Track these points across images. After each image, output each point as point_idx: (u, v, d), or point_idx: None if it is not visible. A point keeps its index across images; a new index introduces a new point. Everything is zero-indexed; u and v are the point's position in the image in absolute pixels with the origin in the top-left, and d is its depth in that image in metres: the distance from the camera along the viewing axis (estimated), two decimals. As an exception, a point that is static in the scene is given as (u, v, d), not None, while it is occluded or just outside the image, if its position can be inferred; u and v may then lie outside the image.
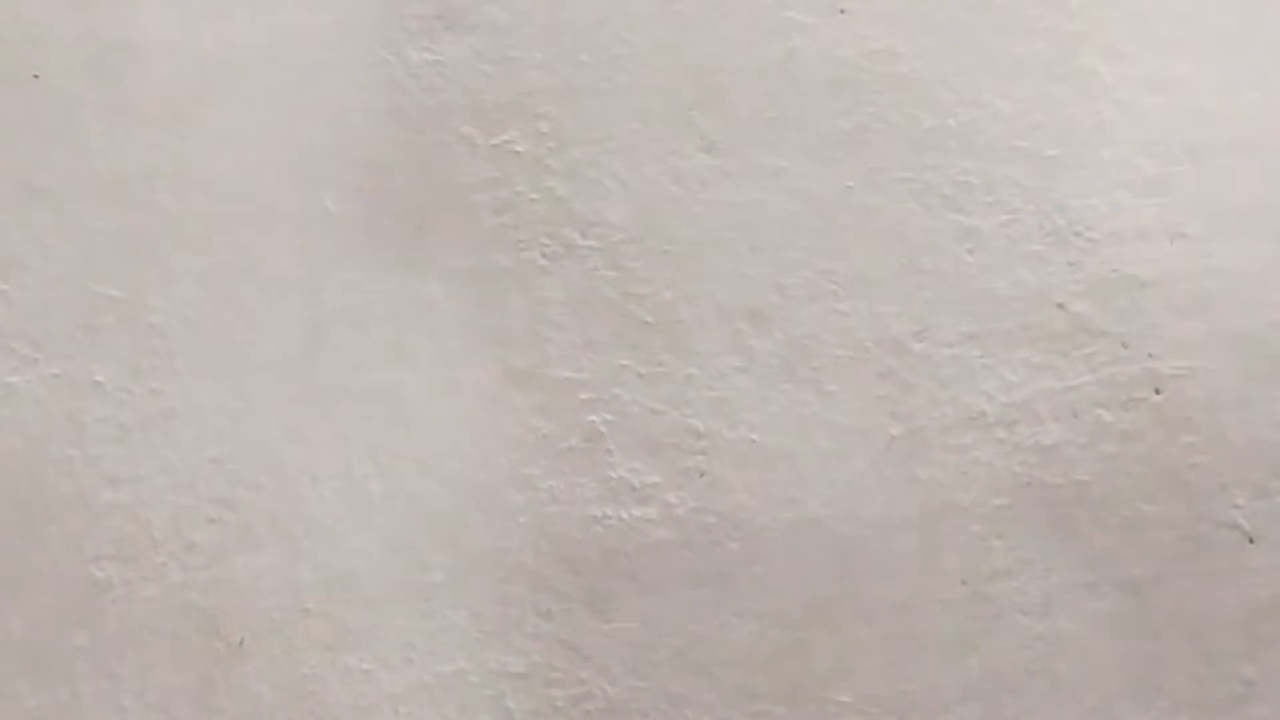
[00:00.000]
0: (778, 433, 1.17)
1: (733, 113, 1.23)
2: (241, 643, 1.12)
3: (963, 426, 1.17)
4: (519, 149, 1.21)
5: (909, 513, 1.17)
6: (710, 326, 1.19)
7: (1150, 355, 1.18)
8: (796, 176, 1.21)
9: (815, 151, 1.22)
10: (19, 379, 1.14)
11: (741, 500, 1.17)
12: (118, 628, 1.11)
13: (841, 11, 1.25)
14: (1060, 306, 1.19)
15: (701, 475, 1.17)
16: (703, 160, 1.22)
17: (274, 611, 1.12)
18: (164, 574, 1.12)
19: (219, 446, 1.14)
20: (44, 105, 1.18)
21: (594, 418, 1.17)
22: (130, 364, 1.15)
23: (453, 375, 1.17)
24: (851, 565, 1.16)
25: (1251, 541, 1.15)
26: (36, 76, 1.19)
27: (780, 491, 1.17)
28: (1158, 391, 1.17)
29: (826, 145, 1.22)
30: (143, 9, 1.20)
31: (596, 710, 1.14)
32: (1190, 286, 1.19)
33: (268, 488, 1.14)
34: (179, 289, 1.16)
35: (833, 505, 1.16)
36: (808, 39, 1.24)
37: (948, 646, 1.15)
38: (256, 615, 1.12)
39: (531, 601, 1.14)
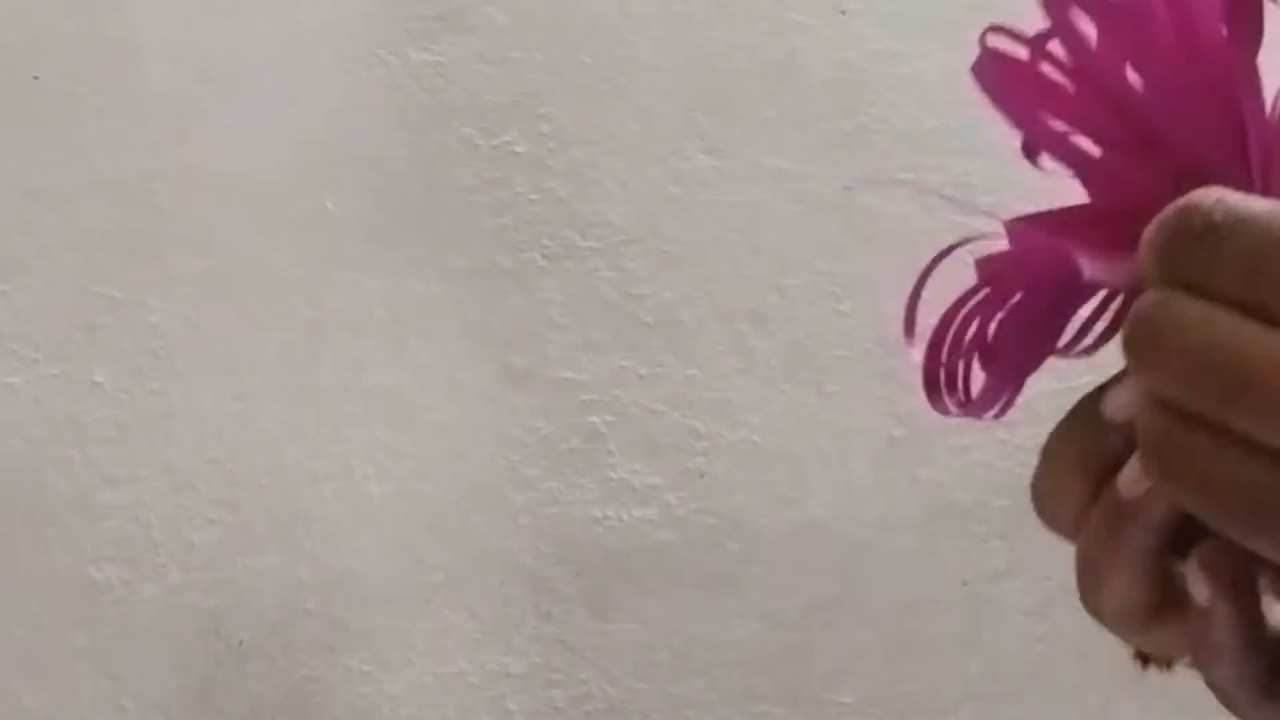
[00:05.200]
0: (779, 433, 1.17)
1: (733, 113, 1.23)
2: (241, 643, 1.12)
3: (964, 427, 1.17)
4: (519, 150, 1.21)
5: (910, 513, 1.16)
6: (711, 327, 1.19)
7: (1151, 356, 1.18)
8: (797, 177, 1.21)
9: (816, 152, 1.22)
10: (19, 379, 1.14)
11: (742, 501, 1.16)
12: (117, 628, 1.11)
13: (842, 12, 1.25)
14: (1061, 307, 1.19)
15: (702, 476, 1.17)
16: (703, 161, 1.22)
17: (274, 612, 1.12)
18: (164, 575, 1.12)
19: (219, 446, 1.14)
20: (44, 105, 1.18)
21: (594, 418, 1.17)
22: (130, 364, 1.15)
23: (453, 375, 1.17)
24: (852, 566, 1.16)
25: (1253, 542, 1.15)
26: (36, 77, 1.19)
27: (781, 492, 1.17)
28: (1159, 392, 1.17)
29: (827, 145, 1.22)
30: (143, 9, 1.20)
31: (597, 711, 1.14)
32: (1191, 287, 1.19)
33: (268, 488, 1.14)
34: (179, 289, 1.16)
35: (833, 506, 1.16)
36: (808, 39, 1.24)
37: (949, 647, 1.15)
38: (256, 615, 1.12)
39: (532, 602, 1.14)
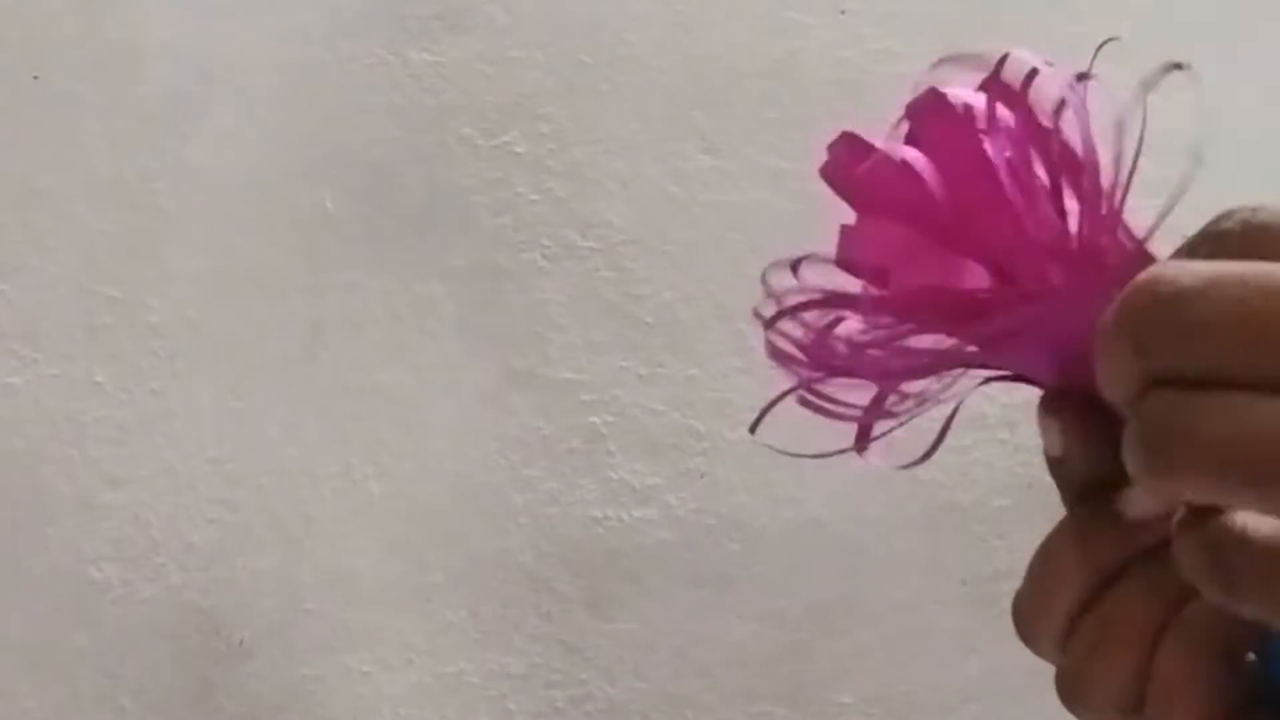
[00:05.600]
0: (778, 434, 1.17)
1: (733, 113, 1.23)
2: (241, 643, 1.11)
3: (964, 427, 1.17)
4: (519, 150, 1.21)
5: (910, 513, 1.16)
6: (711, 327, 1.19)
7: (1151, 356, 1.18)
8: (797, 177, 1.21)
9: (816, 152, 1.22)
10: (19, 379, 1.14)
11: (742, 501, 1.16)
12: (117, 628, 1.11)
13: (842, 12, 1.25)
14: (1061, 307, 1.19)
15: (702, 476, 1.17)
16: (703, 161, 1.22)
17: (274, 611, 1.12)
18: (164, 575, 1.12)
19: (219, 446, 1.14)
20: (44, 105, 1.18)
21: (594, 419, 1.17)
22: (130, 364, 1.15)
23: (453, 375, 1.17)
24: (852, 566, 1.16)
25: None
26: (36, 77, 1.19)
27: (781, 492, 1.17)
28: (1159, 392, 1.17)
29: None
30: (143, 9, 1.20)
31: (597, 711, 1.14)
32: (1191, 287, 1.19)
33: (268, 488, 1.14)
34: (179, 289, 1.16)
35: (833, 506, 1.16)
36: (808, 39, 1.24)
37: (949, 647, 1.15)
38: (256, 615, 1.12)
39: (532, 602, 1.14)
